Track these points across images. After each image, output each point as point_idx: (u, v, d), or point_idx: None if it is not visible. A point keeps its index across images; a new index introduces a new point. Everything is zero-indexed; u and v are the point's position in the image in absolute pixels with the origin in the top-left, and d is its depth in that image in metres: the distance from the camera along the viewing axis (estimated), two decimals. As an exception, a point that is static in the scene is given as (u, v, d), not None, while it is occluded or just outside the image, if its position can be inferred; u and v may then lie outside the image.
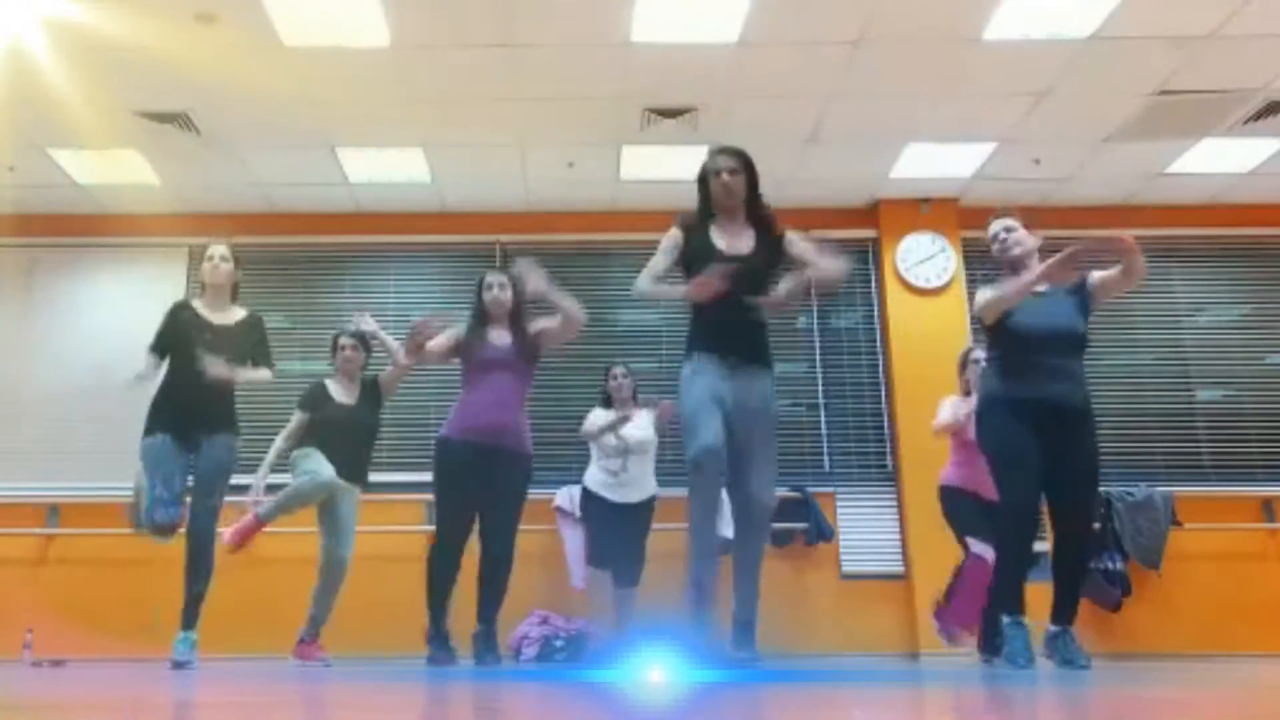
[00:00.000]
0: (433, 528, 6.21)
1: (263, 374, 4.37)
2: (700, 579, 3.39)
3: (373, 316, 5.10)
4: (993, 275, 4.10)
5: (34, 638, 5.73)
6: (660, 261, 3.65)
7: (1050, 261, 3.65)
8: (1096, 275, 3.82)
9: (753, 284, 3.53)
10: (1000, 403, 3.78)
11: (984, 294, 3.83)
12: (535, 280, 4.12)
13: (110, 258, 6.90)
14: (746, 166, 3.65)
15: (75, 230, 6.86)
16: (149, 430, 4.21)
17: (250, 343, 4.39)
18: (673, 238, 3.67)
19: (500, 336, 4.44)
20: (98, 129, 5.86)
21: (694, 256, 3.61)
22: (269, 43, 5.04)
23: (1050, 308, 3.79)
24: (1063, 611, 3.72)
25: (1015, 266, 3.86)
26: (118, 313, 6.69)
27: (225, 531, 4.44)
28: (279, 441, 4.95)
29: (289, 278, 6.84)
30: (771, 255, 3.63)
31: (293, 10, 4.83)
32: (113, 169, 6.38)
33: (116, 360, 6.41)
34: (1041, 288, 3.80)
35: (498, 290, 4.46)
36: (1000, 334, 3.83)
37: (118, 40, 4.99)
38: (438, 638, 4.32)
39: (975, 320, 3.97)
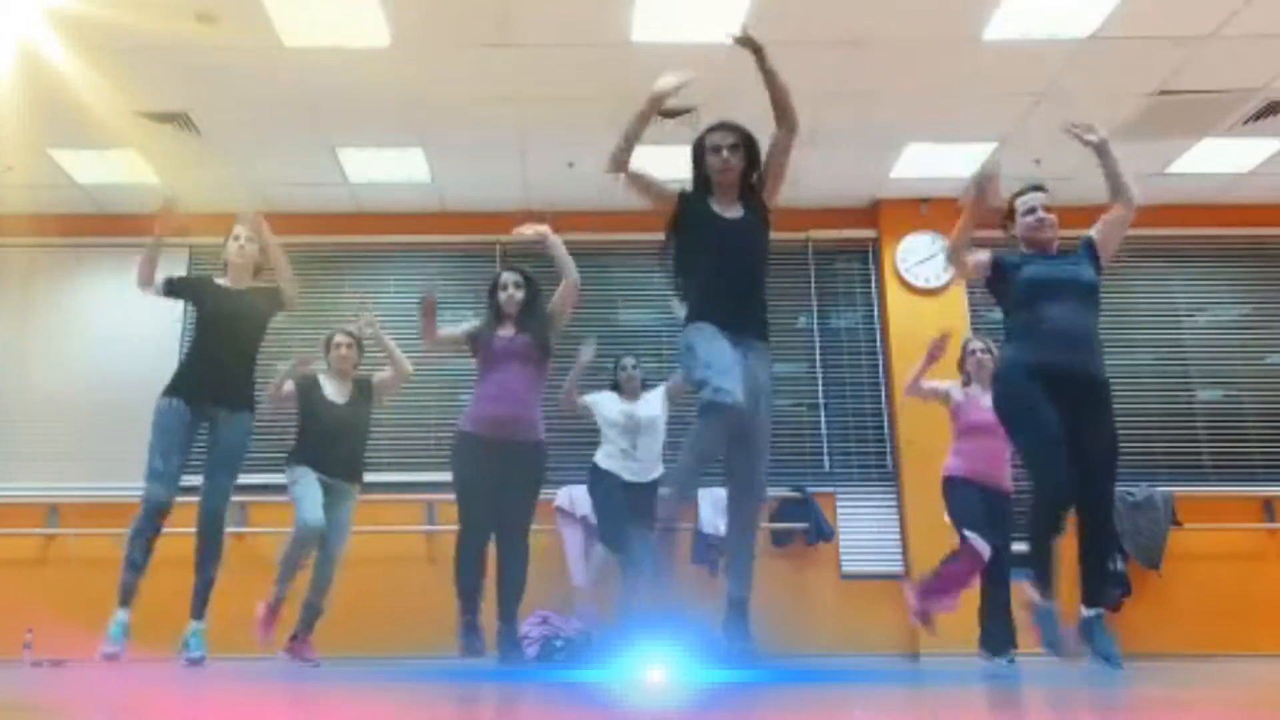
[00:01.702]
0: (432, 528, 6.26)
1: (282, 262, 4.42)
2: (686, 490, 3.59)
3: (374, 316, 5.10)
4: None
5: (34, 638, 5.73)
6: (657, 179, 3.74)
7: (967, 194, 3.68)
8: (1096, 225, 3.79)
9: (746, 251, 3.56)
10: (1018, 368, 3.64)
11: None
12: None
13: (110, 258, 6.88)
14: (745, 142, 3.65)
15: (75, 230, 6.85)
16: (167, 391, 4.19)
17: (264, 297, 4.45)
18: (676, 188, 3.73)
19: (510, 329, 4.44)
20: (98, 129, 5.85)
21: (692, 220, 3.63)
22: (269, 43, 5.04)
23: (1057, 261, 3.73)
24: (1094, 594, 3.58)
25: (1041, 247, 3.77)
26: (118, 313, 6.69)
27: (257, 630, 4.65)
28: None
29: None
30: (762, 223, 3.65)
31: (293, 10, 4.83)
32: (113, 169, 6.38)
33: (114, 363, 6.51)
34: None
35: (513, 289, 4.46)
36: (1008, 289, 3.73)
37: (118, 40, 5.00)
38: (466, 629, 4.27)
39: (976, 285, 3.94)
